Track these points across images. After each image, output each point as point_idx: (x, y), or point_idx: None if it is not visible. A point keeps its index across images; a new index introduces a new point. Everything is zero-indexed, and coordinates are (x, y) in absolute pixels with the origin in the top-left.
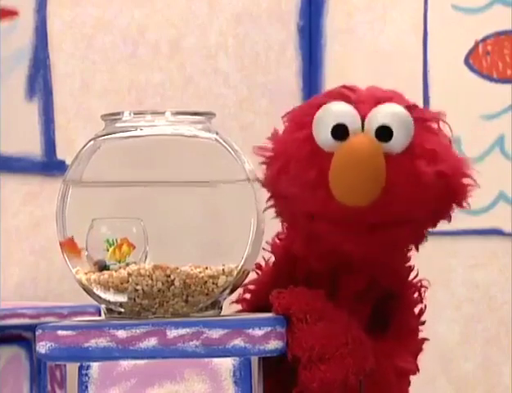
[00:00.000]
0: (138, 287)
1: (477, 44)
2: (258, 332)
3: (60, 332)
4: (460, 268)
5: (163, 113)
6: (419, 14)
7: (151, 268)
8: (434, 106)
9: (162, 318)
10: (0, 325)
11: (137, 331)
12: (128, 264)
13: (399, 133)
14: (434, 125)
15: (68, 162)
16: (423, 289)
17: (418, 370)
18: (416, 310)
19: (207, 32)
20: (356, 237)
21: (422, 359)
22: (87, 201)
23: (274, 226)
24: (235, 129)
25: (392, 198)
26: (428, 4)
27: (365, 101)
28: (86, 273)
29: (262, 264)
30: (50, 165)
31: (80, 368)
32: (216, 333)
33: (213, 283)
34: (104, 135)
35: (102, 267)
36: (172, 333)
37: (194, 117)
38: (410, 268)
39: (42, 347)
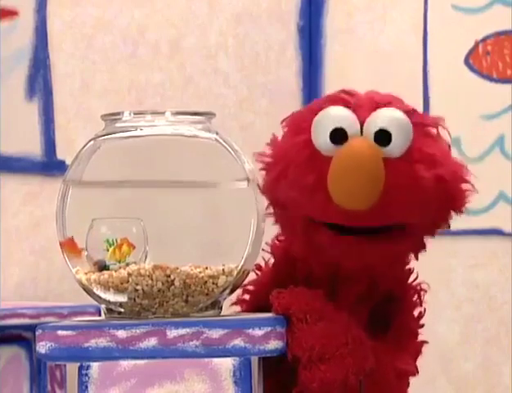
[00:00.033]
0: (138, 287)
1: (477, 44)
2: (258, 332)
3: (60, 332)
4: (460, 268)
5: (163, 113)
6: (419, 14)
7: (151, 268)
8: (434, 106)
9: (162, 318)
10: (0, 325)
11: (137, 331)
12: (127, 264)
13: (398, 138)
14: (433, 130)
15: (68, 162)
16: (422, 292)
17: (417, 372)
18: (416, 313)
19: (207, 32)
20: (356, 249)
21: (422, 359)
22: (87, 201)
23: (274, 226)
24: (235, 129)
25: (390, 202)
26: (428, 4)
27: (363, 105)
28: (86, 273)
29: (262, 264)
30: (50, 165)
31: (80, 368)
32: (216, 333)
33: (213, 283)
34: (104, 135)
35: (102, 267)
36: (172, 333)
37: (194, 117)
38: (410, 271)
39: (42, 347)
